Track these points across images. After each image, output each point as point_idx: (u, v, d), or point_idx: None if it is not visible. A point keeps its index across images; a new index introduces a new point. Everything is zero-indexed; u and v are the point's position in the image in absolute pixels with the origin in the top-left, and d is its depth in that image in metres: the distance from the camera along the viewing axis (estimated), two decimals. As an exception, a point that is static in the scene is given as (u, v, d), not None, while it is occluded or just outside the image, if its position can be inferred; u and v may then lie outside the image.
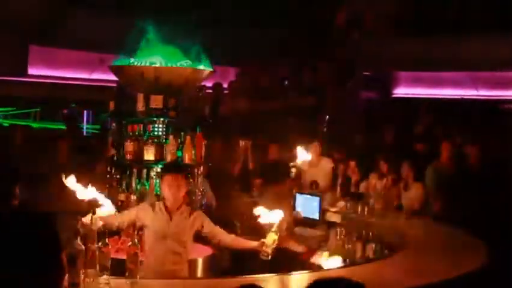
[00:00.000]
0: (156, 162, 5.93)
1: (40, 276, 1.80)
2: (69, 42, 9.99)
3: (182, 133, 6.06)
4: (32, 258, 1.80)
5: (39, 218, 1.86)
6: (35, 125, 11.73)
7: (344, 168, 8.38)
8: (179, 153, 6.01)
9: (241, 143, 8.63)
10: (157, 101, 5.98)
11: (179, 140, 6.01)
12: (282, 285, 4.69)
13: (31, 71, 10.13)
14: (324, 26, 13.21)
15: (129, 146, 6.00)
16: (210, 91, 9.90)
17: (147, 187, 5.94)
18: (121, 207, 5.79)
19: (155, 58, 6.06)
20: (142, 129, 6.04)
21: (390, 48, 12.44)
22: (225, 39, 10.48)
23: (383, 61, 12.40)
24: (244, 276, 4.72)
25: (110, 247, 4.39)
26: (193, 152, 6.01)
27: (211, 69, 6.28)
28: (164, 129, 6.09)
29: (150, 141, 5.97)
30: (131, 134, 6.01)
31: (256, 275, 4.67)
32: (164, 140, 6.00)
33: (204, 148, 6.15)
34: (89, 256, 4.02)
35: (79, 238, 3.96)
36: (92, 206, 4.92)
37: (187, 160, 5.96)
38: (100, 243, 4.25)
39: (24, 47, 9.92)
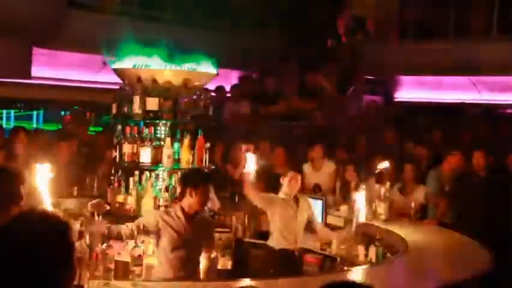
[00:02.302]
0: (152, 164, 5.95)
1: (53, 277, 1.81)
2: (72, 44, 10.00)
3: (188, 135, 6.08)
4: (43, 259, 1.81)
5: (51, 218, 1.86)
6: (38, 127, 11.74)
7: (342, 171, 8.37)
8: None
9: (243, 147, 8.61)
10: (152, 104, 6.00)
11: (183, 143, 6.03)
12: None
13: (35, 73, 10.14)
14: (326, 30, 13.24)
15: (126, 148, 6.03)
16: (213, 94, 9.91)
17: (143, 189, 5.97)
18: (118, 208, 5.84)
19: (156, 60, 6.08)
20: (139, 131, 6.08)
21: (392, 52, 12.45)
22: (227, 42, 10.49)
23: (385, 65, 12.40)
24: (246, 279, 4.72)
25: (113, 249, 4.40)
26: (190, 155, 6.03)
27: (215, 73, 6.30)
28: (164, 131, 6.11)
29: (146, 143, 6.00)
30: (128, 136, 6.05)
31: (259, 279, 4.68)
32: (163, 143, 6.03)
33: (205, 152, 6.17)
34: (93, 258, 4.03)
35: (82, 240, 3.97)
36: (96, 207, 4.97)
37: (184, 163, 5.97)
38: (103, 245, 4.26)
39: (27, 49, 9.94)
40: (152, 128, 6.09)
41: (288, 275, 5.06)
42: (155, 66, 6.06)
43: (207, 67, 6.21)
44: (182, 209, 4.97)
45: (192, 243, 4.94)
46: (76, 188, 7.52)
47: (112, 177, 6.14)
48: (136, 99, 5.99)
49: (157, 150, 5.99)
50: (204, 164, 6.13)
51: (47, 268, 1.80)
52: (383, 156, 7.78)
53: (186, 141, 6.03)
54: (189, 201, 4.94)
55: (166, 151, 5.97)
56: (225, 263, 6.97)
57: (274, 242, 6.43)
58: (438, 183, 7.48)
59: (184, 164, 5.95)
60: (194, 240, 4.96)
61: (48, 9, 9.75)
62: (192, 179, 5.03)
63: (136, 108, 5.99)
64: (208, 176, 5.40)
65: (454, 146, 8.11)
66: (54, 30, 9.81)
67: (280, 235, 6.37)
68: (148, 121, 6.07)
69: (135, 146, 6.01)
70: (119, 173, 6.09)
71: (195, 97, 6.18)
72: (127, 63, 6.11)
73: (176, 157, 6.02)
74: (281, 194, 6.42)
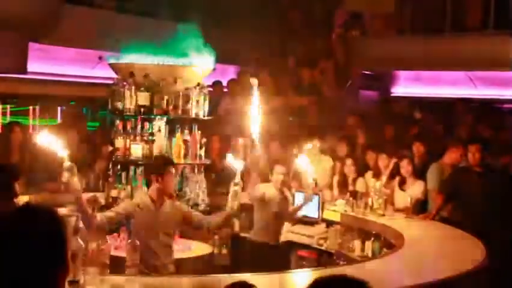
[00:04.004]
0: (145, 159, 5.96)
1: (45, 273, 1.80)
2: (68, 39, 9.97)
3: (186, 130, 6.08)
4: (37, 255, 1.80)
5: (44, 214, 1.85)
6: (33, 122, 11.71)
7: (340, 166, 8.37)
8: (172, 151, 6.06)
9: (240, 141, 8.61)
10: (144, 99, 5.99)
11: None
12: (282, 284, 4.70)
13: (31, 68, 10.10)
14: (323, 25, 13.22)
15: (119, 143, 6.03)
16: (210, 89, 9.88)
17: (136, 183, 5.97)
18: (112, 202, 5.85)
19: (151, 56, 6.07)
20: (134, 126, 6.07)
21: (389, 47, 12.43)
22: (224, 37, 10.47)
23: (382, 60, 12.38)
24: (243, 274, 4.72)
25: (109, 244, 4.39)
26: (183, 150, 6.03)
27: (211, 68, 6.28)
28: (159, 126, 6.10)
29: (139, 138, 6.00)
30: (121, 131, 6.05)
31: (256, 273, 4.67)
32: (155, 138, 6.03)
33: (200, 147, 6.16)
34: (88, 253, 4.02)
35: (78, 235, 3.96)
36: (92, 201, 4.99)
37: (176, 158, 5.97)
38: (99, 241, 4.25)
39: (23, 44, 9.91)
40: (147, 123, 6.08)
41: (283, 269, 5.06)
42: (150, 62, 6.04)
43: (203, 62, 6.19)
44: (150, 198, 5.05)
45: (162, 230, 5.01)
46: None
47: (108, 172, 6.15)
48: (128, 94, 5.99)
49: (151, 144, 6.00)
50: (198, 159, 6.13)
51: (40, 263, 1.80)
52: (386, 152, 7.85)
53: (178, 135, 6.04)
54: (157, 187, 5.05)
55: (159, 146, 5.98)
56: (221, 257, 6.99)
57: (253, 234, 6.63)
58: (439, 177, 7.47)
59: (176, 159, 5.95)
60: (165, 227, 5.03)
61: (45, 4, 9.72)
62: (155, 166, 5.21)
63: (128, 103, 5.99)
64: (170, 160, 5.45)
65: (451, 141, 8.11)
66: (50, 26, 9.78)
67: (261, 229, 6.56)
68: (140, 116, 6.06)
69: (128, 140, 6.01)
70: (115, 168, 6.10)
71: (189, 92, 6.17)
72: (122, 58, 6.10)
73: (171, 152, 6.02)
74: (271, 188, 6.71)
